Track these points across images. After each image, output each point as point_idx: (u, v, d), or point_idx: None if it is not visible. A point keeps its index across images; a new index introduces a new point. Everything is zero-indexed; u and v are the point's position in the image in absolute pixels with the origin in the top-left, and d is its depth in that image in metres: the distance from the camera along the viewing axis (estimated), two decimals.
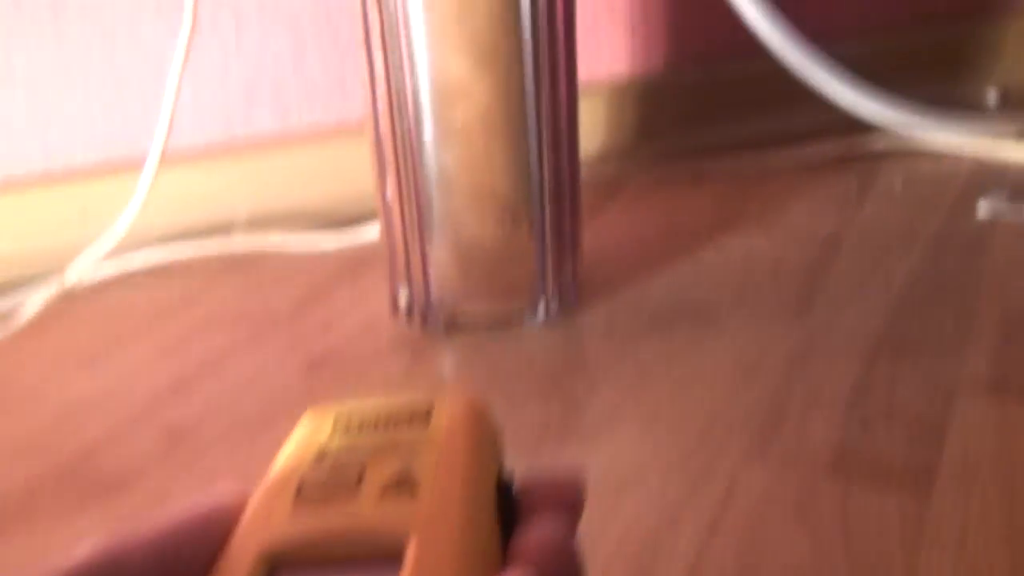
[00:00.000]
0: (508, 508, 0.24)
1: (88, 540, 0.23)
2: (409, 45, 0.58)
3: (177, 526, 0.23)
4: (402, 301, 0.67)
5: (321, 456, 0.25)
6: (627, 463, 0.52)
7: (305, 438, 0.26)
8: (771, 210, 0.83)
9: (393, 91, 0.59)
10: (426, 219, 0.63)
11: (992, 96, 1.04)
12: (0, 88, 0.73)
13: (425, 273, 0.65)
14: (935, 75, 1.02)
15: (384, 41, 0.58)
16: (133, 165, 0.77)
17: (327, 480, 0.24)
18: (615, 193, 0.88)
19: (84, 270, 0.72)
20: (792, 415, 0.56)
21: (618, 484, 0.51)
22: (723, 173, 0.90)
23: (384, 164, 0.62)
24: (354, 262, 0.79)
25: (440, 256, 0.64)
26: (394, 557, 0.21)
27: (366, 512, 0.22)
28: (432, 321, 0.66)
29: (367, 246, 0.80)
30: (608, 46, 0.91)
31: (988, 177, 0.88)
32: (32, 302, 0.71)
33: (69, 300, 0.73)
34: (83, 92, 0.75)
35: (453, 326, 0.66)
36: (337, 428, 0.26)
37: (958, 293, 0.69)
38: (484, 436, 0.26)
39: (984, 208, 0.81)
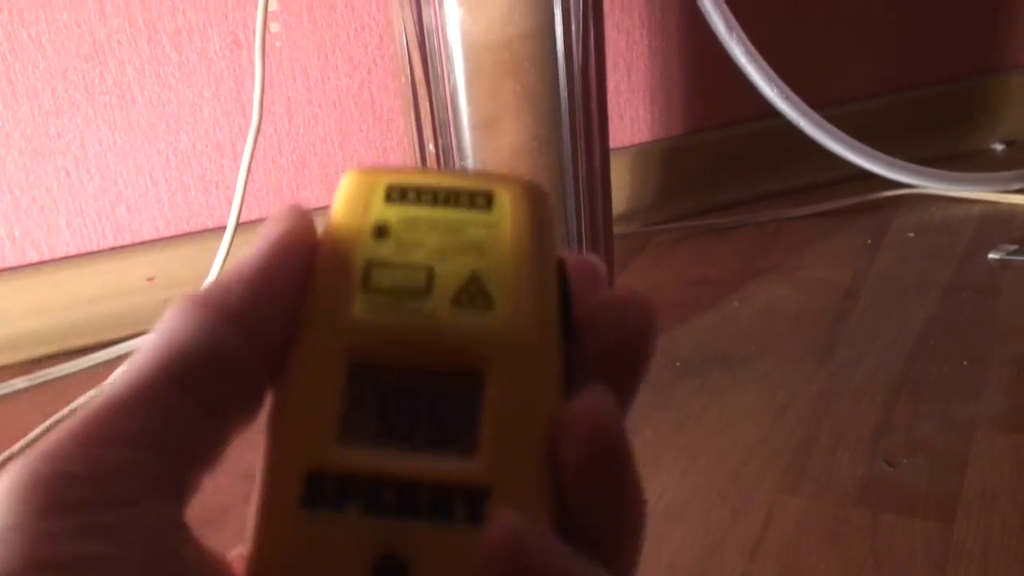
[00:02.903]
0: (566, 296, 0.23)
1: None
2: (457, 132, 0.64)
3: (264, 266, 0.22)
4: None
5: (380, 231, 0.23)
6: (671, 498, 0.57)
7: (356, 205, 0.23)
8: (791, 261, 0.88)
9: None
10: None
11: (999, 147, 1.10)
12: (75, 171, 0.79)
13: None
14: (943, 130, 1.07)
15: (435, 128, 0.64)
16: (196, 238, 0.83)
17: (395, 271, 0.22)
18: (641, 248, 0.93)
19: None
20: (820, 451, 0.60)
21: (664, 517, 0.55)
22: (743, 227, 0.95)
23: None
24: None
25: None
26: (472, 376, 0.21)
27: (441, 321, 0.21)
28: None
29: None
30: (629, 115, 0.97)
31: (997, 221, 0.93)
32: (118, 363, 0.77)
33: None
34: (149, 174, 0.81)
35: None
36: (392, 199, 0.23)
37: (972, 335, 0.73)
38: (546, 227, 0.23)
39: (995, 252, 0.86)
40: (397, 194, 0.23)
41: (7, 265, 0.80)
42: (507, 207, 0.23)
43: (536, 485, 0.21)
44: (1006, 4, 1.09)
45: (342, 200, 0.23)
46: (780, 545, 0.52)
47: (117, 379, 0.21)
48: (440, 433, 0.21)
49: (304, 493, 0.21)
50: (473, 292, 0.22)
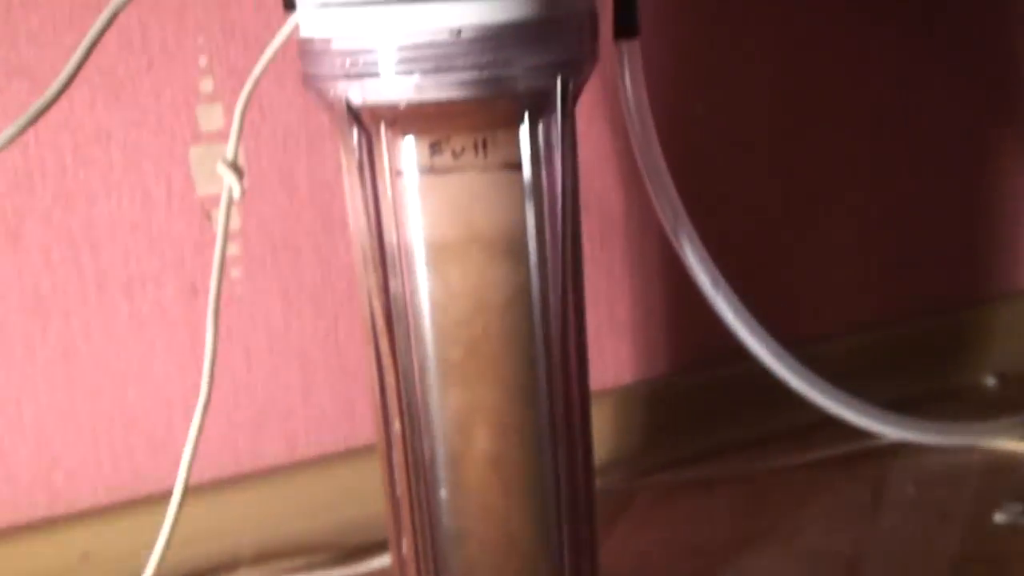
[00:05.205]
0: None
1: None
2: (426, 410, 0.59)
3: None
4: None
5: None
6: None
7: None
8: (787, 523, 0.82)
9: (409, 454, 0.60)
10: (442, 573, 0.62)
11: (990, 381, 1.06)
12: (8, 435, 0.73)
13: None
14: (933, 364, 1.04)
15: (400, 407, 0.59)
16: (138, 507, 0.76)
17: None
18: (627, 504, 0.87)
19: None
20: None
21: None
22: (733, 478, 0.90)
23: (400, 523, 0.62)
24: None
25: None
26: None
27: None
28: None
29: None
30: (612, 355, 0.93)
31: (999, 471, 0.88)
32: None
33: None
34: (91, 436, 0.75)
35: None
36: None
37: None
38: None
39: (1001, 514, 0.81)
40: None
41: None
42: None
43: None
44: (988, 234, 1.08)
45: None
46: None
47: None
48: None
49: None
50: None
